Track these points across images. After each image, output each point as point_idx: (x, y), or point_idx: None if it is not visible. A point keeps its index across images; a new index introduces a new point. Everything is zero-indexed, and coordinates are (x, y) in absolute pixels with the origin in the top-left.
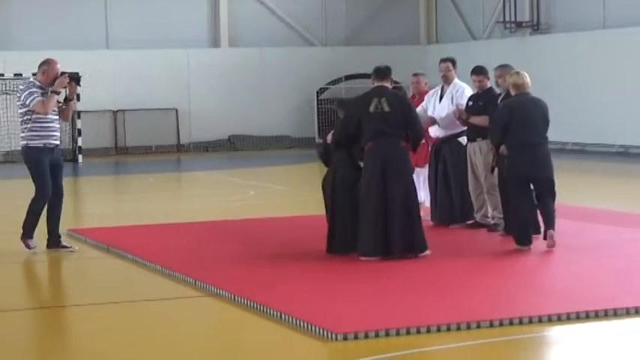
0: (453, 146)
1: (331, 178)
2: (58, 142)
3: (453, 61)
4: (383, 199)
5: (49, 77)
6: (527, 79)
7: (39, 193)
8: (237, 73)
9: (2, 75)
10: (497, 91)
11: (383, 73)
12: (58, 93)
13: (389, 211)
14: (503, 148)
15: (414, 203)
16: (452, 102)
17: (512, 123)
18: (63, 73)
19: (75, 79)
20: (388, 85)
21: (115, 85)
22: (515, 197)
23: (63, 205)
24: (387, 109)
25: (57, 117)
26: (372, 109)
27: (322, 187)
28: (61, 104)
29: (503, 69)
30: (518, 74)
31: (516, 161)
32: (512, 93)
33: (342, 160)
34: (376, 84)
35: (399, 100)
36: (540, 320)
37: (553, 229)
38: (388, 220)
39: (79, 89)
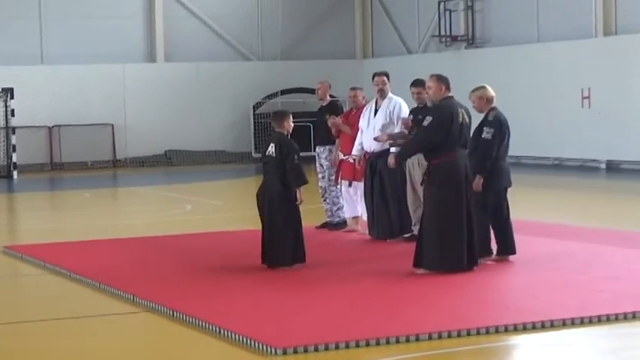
0: (388, 160)
1: (262, 191)
2: None
3: (387, 75)
4: (466, 212)
5: None
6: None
7: None
8: (173, 87)
9: None
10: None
11: (449, 82)
12: None
13: (469, 224)
14: (477, 181)
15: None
16: (387, 116)
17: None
18: None
19: None
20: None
21: (51, 101)
22: (489, 210)
23: None
24: (467, 120)
25: None
26: (460, 119)
27: (257, 198)
28: None
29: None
30: (486, 89)
31: (503, 173)
32: (485, 108)
33: (273, 174)
34: (448, 94)
35: (469, 113)
36: (479, 332)
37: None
38: (469, 232)
39: None
